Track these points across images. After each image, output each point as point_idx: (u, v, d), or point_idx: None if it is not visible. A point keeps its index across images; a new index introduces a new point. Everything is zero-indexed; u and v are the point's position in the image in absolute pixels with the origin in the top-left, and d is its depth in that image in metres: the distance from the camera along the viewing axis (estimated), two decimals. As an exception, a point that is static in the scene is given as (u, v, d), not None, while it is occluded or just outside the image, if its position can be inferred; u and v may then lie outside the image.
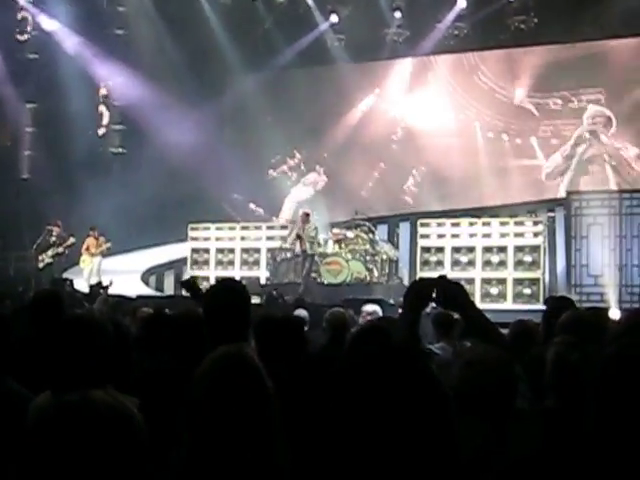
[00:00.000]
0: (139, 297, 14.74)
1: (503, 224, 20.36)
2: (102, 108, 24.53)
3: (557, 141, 22.50)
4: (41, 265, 19.71)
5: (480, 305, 18.20)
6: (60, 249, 19.80)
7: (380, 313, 10.05)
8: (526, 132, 22.84)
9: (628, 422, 2.46)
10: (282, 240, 21.46)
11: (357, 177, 23.64)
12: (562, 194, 21.38)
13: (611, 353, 2.67)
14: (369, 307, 10.09)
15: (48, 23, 23.39)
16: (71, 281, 17.97)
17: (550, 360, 3.97)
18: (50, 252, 19.75)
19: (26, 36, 23.45)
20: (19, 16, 23.56)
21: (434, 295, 3.59)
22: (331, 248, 20.59)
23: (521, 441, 3.04)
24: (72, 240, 19.83)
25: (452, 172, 22.61)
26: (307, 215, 20.16)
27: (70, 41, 23.46)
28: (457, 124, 23.31)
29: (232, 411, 2.52)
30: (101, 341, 3.53)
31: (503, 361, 3.52)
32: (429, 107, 23.51)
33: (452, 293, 3.62)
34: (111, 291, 17.16)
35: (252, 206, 24.39)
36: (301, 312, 9.95)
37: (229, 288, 4.56)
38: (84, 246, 20.69)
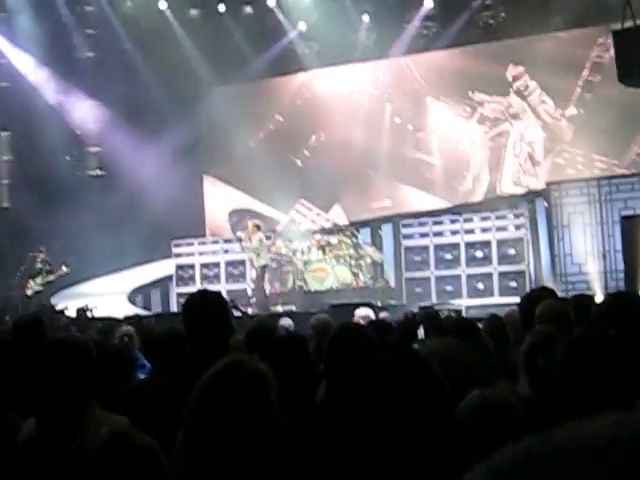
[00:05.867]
0: (126, 318, 14.68)
1: (484, 219, 20.43)
2: (77, 132, 24.44)
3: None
4: (29, 293, 19.59)
5: (467, 301, 18.36)
6: (51, 277, 19.67)
7: (372, 316, 10.05)
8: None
9: (595, 405, 2.48)
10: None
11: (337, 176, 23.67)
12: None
13: (573, 337, 2.70)
14: (362, 311, 10.09)
15: (14, 53, 23.28)
16: (54, 306, 17.94)
17: (522, 351, 4.01)
18: (39, 280, 19.61)
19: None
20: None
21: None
22: (315, 255, 20.59)
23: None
24: (65, 270, 19.69)
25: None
26: (257, 227, 20.25)
27: (37, 73, 23.40)
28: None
29: (233, 419, 2.52)
30: (83, 363, 3.54)
31: (463, 351, 3.54)
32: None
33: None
34: (98, 313, 17.17)
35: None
36: (286, 321, 9.93)
37: (205, 300, 4.57)
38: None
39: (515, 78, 21.91)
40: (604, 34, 20.07)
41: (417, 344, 7.50)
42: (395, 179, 23.14)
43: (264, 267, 19.93)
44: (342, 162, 23.02)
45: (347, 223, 21.76)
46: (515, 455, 0.82)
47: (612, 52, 20.38)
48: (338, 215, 23.65)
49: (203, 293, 4.76)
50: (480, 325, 6.63)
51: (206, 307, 4.47)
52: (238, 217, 24.84)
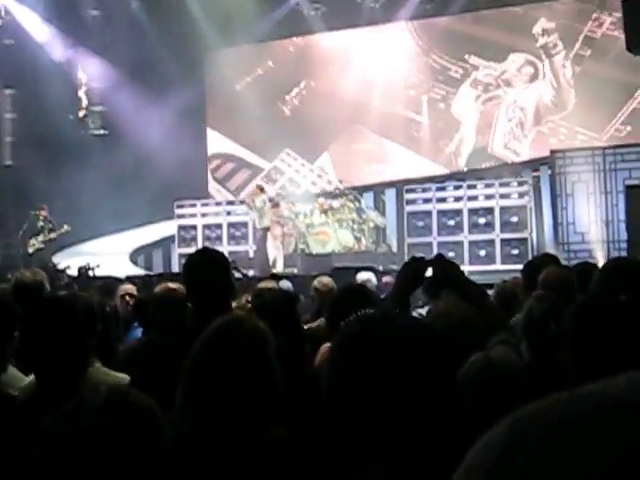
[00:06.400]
0: (128, 277, 14.69)
1: (488, 186, 20.39)
2: (81, 91, 24.35)
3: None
4: (31, 250, 19.57)
5: (469, 267, 18.40)
6: (52, 235, 19.62)
7: (374, 280, 10.05)
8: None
9: (605, 368, 2.46)
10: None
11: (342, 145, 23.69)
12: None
13: (581, 303, 2.68)
14: (363, 275, 10.09)
15: (20, 10, 23.15)
16: (55, 264, 17.95)
17: (526, 316, 4.00)
18: (41, 237, 19.57)
19: (0, 22, 23.22)
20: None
21: (428, 274, 3.59)
22: (318, 218, 20.57)
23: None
24: (67, 228, 19.64)
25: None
26: (260, 189, 20.35)
27: (42, 30, 23.28)
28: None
29: (229, 377, 2.51)
30: (80, 320, 3.52)
31: (470, 313, 3.53)
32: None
33: (449, 271, 3.61)
34: (99, 272, 17.18)
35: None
36: (284, 283, 9.92)
37: (206, 258, 4.51)
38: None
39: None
40: (599, 10, 20.69)
41: (429, 304, 7.52)
42: (382, 135, 23.29)
43: (266, 229, 19.93)
44: (330, 113, 23.23)
45: (341, 182, 21.76)
46: (564, 406, 0.82)
47: (604, 28, 20.73)
48: (323, 165, 23.94)
49: (204, 251, 4.69)
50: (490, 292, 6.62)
51: (208, 265, 4.39)
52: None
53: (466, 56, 22.54)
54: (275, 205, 20.54)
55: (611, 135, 20.79)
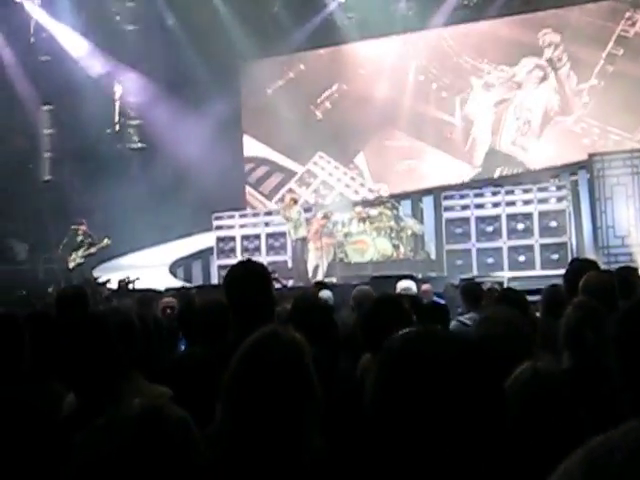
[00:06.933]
0: (167, 289, 14.75)
1: (526, 191, 20.29)
2: (117, 105, 24.54)
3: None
4: (72, 265, 19.68)
5: (509, 273, 18.28)
6: (92, 249, 19.70)
7: (414, 289, 10.03)
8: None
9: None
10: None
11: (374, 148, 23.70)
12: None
13: (624, 309, 2.65)
14: (403, 283, 10.08)
15: (55, 26, 23.36)
16: (96, 278, 18.04)
17: (566, 324, 3.98)
18: (81, 252, 19.68)
19: (35, 38, 23.44)
20: (28, 19, 23.52)
21: None
22: (356, 227, 20.55)
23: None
24: (107, 241, 19.71)
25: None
26: (293, 201, 20.40)
27: (78, 45, 23.48)
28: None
29: (269, 390, 2.51)
30: (113, 336, 3.55)
31: (517, 318, 3.53)
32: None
33: None
34: (139, 285, 17.26)
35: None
36: (325, 293, 9.91)
37: (248, 270, 4.49)
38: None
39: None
40: (632, 8, 20.74)
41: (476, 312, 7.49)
42: (414, 137, 23.32)
43: (303, 239, 19.97)
44: (362, 115, 23.36)
45: (379, 191, 21.88)
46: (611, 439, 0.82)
47: (638, 27, 20.65)
48: (360, 166, 23.96)
49: (246, 263, 4.66)
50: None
51: (249, 277, 4.38)
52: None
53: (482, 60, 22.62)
54: (325, 217, 20.57)
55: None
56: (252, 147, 25.26)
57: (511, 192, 20.45)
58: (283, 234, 22.07)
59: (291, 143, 23.92)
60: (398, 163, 23.43)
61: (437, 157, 23.01)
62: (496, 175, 22.22)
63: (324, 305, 5.96)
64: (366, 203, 21.69)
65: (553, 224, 19.73)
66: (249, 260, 4.81)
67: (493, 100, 22.55)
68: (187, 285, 20.65)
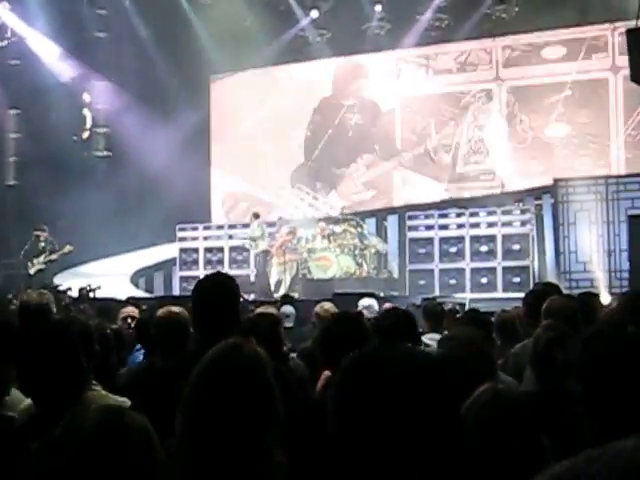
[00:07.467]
0: (129, 299, 14.67)
1: (491, 214, 20.38)
2: (85, 112, 24.41)
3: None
4: (32, 271, 19.53)
5: (470, 295, 18.33)
6: (53, 256, 19.55)
7: (376, 307, 10.03)
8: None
9: (614, 401, 2.46)
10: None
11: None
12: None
13: (586, 333, 2.67)
14: (365, 301, 10.08)
15: (26, 30, 23.21)
16: (57, 286, 17.91)
17: (535, 345, 3.99)
18: (42, 258, 19.54)
19: (6, 42, 23.28)
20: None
21: None
22: (319, 243, 20.57)
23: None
24: (69, 248, 19.57)
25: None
26: (255, 215, 20.45)
27: (49, 50, 23.33)
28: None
29: (229, 403, 2.50)
30: (76, 345, 3.52)
31: (480, 338, 3.54)
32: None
33: None
34: (100, 294, 17.16)
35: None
36: (286, 308, 9.90)
37: (217, 282, 4.47)
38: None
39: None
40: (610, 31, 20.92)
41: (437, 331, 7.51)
42: (384, 159, 23.61)
43: (265, 252, 20.01)
44: (339, 145, 23.51)
45: (343, 208, 21.98)
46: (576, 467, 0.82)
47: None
48: (335, 200, 23.88)
49: (217, 276, 4.63)
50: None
51: (219, 290, 4.36)
52: (233, 201, 25.08)
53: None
54: (291, 232, 20.61)
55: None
56: (221, 168, 25.19)
57: (476, 214, 20.53)
58: (246, 248, 22.05)
59: (260, 168, 23.91)
60: (364, 182, 23.49)
61: (405, 176, 23.10)
62: (462, 196, 22.32)
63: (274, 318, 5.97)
64: (330, 220, 21.71)
65: (516, 247, 19.82)
66: (219, 272, 4.79)
67: (465, 121, 22.70)
68: (148, 296, 20.57)
